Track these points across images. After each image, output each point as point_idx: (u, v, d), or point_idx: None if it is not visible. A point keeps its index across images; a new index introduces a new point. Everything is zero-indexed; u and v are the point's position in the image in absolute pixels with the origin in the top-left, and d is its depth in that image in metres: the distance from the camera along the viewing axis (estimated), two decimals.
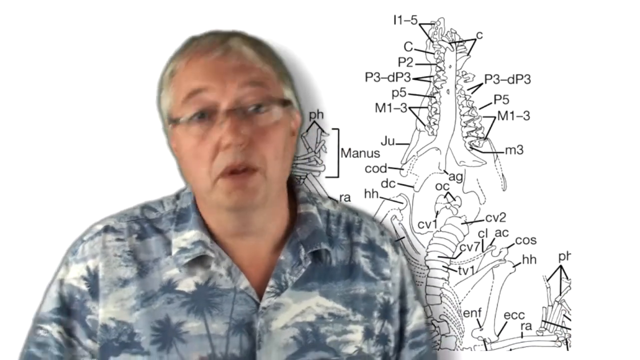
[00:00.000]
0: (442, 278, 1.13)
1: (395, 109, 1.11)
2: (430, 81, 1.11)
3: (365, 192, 1.12)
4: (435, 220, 1.13)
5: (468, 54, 1.11)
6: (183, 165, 0.92)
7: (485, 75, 1.11)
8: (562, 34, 1.11)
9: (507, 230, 1.13)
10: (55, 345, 0.91)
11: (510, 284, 1.13)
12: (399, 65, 1.10)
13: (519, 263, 1.13)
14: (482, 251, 1.13)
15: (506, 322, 1.13)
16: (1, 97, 1.06)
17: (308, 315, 0.92)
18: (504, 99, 1.12)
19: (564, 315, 1.13)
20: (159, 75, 0.98)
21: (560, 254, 1.13)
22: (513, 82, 1.11)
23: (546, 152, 1.12)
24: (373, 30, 1.09)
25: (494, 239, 1.13)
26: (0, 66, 1.05)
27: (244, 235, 0.92)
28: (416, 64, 1.10)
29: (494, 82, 1.11)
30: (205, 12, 1.06)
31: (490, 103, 1.12)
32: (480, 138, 1.12)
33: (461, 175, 1.12)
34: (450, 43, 1.11)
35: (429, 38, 1.10)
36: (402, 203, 1.12)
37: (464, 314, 1.13)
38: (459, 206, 1.12)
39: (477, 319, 1.13)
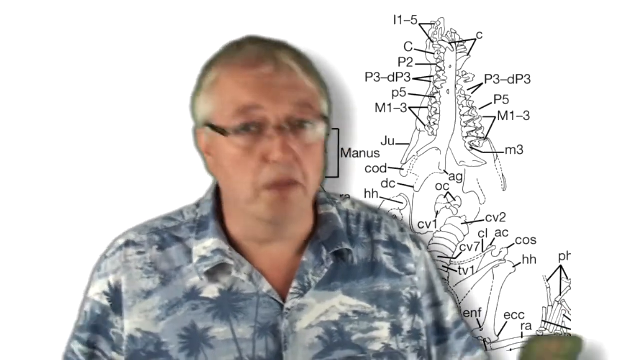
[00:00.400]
0: (442, 278, 1.13)
1: (395, 109, 1.11)
2: (430, 81, 1.11)
3: (365, 192, 1.12)
4: (435, 220, 1.13)
5: (468, 54, 1.11)
6: (221, 171, 0.91)
7: (485, 75, 1.11)
8: (562, 34, 1.11)
9: (507, 230, 1.13)
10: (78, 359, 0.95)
11: (510, 284, 1.13)
12: (399, 65, 1.10)
13: (519, 263, 1.13)
14: (482, 251, 1.13)
15: (506, 322, 1.13)
16: (33, 109, 1.07)
17: (332, 314, 0.93)
18: (504, 99, 1.12)
19: (564, 315, 1.13)
20: (177, 78, 1.00)
21: (560, 254, 1.13)
22: (513, 82, 1.11)
23: (546, 152, 1.12)
24: (373, 30, 1.09)
25: (494, 239, 1.13)
26: (24, 76, 1.07)
27: (270, 242, 0.93)
28: (416, 64, 1.10)
29: (494, 82, 1.11)
30: (211, 14, 1.07)
31: (490, 103, 1.12)
32: (480, 138, 1.12)
33: (461, 175, 1.12)
34: (450, 43, 1.11)
35: (429, 38, 1.10)
36: (402, 203, 1.12)
37: (464, 314, 1.13)
38: (459, 206, 1.12)
39: (477, 319, 1.13)
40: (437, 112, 1.12)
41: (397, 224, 1.04)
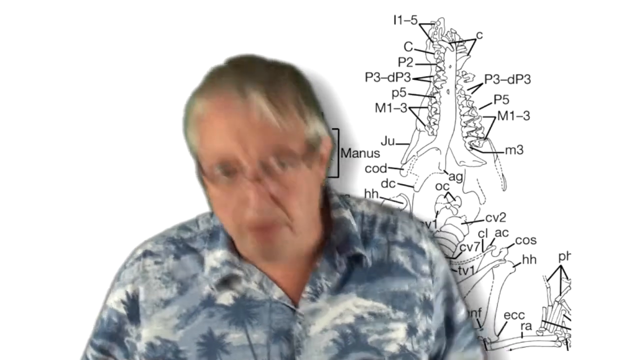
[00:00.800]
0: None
1: (395, 109, 1.11)
2: (430, 81, 1.11)
3: (365, 192, 1.12)
4: (435, 220, 1.13)
5: (468, 54, 1.11)
6: (213, 204, 0.91)
7: (485, 75, 1.11)
8: (562, 34, 1.11)
9: (507, 230, 1.13)
10: None
11: (510, 284, 1.13)
12: (399, 65, 1.10)
13: (519, 263, 1.13)
14: (482, 251, 1.13)
15: (506, 322, 1.13)
16: (47, 115, 1.09)
17: (347, 316, 0.93)
18: (504, 99, 1.12)
19: (564, 315, 1.13)
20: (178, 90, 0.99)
21: (560, 254, 1.13)
22: (513, 82, 1.11)
23: (546, 152, 1.12)
24: (373, 30, 1.09)
25: (494, 239, 1.13)
26: (34, 81, 1.08)
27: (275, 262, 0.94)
28: (416, 64, 1.10)
29: (494, 82, 1.11)
30: (212, 14, 1.07)
31: (490, 103, 1.12)
32: (480, 138, 1.12)
33: (461, 175, 1.12)
34: (450, 43, 1.11)
35: (429, 38, 1.10)
36: (402, 203, 1.12)
37: None
38: (459, 206, 1.12)
39: (477, 319, 1.13)
40: (437, 112, 1.12)
41: (414, 225, 1.04)
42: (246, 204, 0.84)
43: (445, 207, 1.12)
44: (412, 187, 1.12)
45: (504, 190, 1.12)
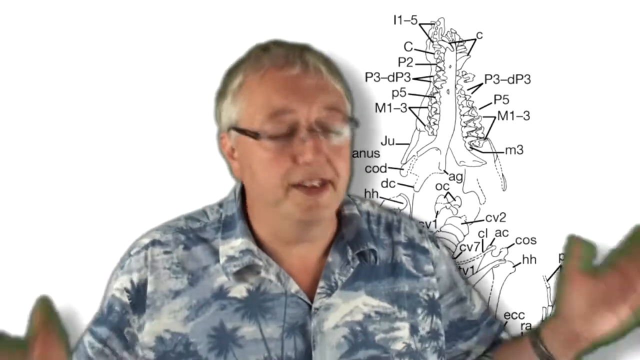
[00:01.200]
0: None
1: (395, 109, 1.11)
2: (430, 81, 1.11)
3: (365, 192, 1.12)
4: (435, 220, 1.13)
5: (468, 54, 1.11)
6: (248, 174, 0.91)
7: (485, 75, 1.11)
8: (562, 34, 1.11)
9: (507, 230, 1.13)
10: (85, 354, 0.94)
11: (510, 284, 1.13)
12: (399, 65, 1.10)
13: (519, 263, 1.13)
14: (482, 251, 1.13)
15: (506, 322, 1.13)
16: (52, 105, 1.08)
17: (356, 314, 0.93)
18: (504, 99, 1.12)
19: None
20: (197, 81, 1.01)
21: (560, 254, 1.13)
22: (513, 82, 1.11)
23: (546, 152, 1.12)
24: (373, 30, 1.09)
25: (494, 239, 1.13)
26: (43, 74, 1.08)
27: (299, 242, 0.93)
28: (416, 64, 1.10)
29: (494, 82, 1.11)
30: (217, 20, 1.07)
31: (490, 103, 1.12)
32: (480, 138, 1.12)
33: (461, 175, 1.12)
34: (450, 43, 1.11)
35: (429, 38, 1.10)
36: (402, 203, 1.12)
37: None
38: (459, 206, 1.12)
39: None
40: (437, 112, 1.12)
41: (416, 226, 1.04)
42: (299, 160, 0.86)
43: (445, 207, 1.12)
44: (412, 187, 1.12)
45: (504, 190, 1.12)
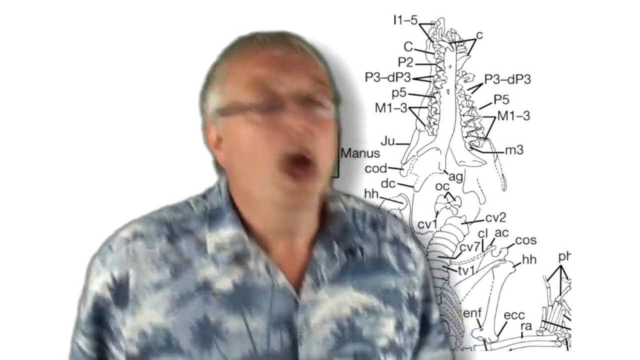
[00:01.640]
0: (442, 278, 1.13)
1: (395, 109, 1.11)
2: (430, 81, 1.11)
3: (365, 192, 1.12)
4: (435, 220, 1.13)
5: (468, 54, 1.11)
6: (236, 156, 0.90)
7: (485, 75, 1.11)
8: (562, 34, 1.11)
9: (507, 230, 1.13)
10: (83, 355, 0.93)
11: (510, 284, 1.13)
12: (399, 65, 1.10)
13: (519, 263, 1.13)
14: (482, 251, 1.13)
15: (506, 322, 1.13)
16: (33, 100, 1.07)
17: (343, 309, 0.93)
18: (504, 99, 1.12)
19: (564, 315, 1.13)
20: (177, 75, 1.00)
21: (560, 254, 1.13)
22: (513, 82, 1.11)
23: (546, 152, 1.12)
24: (373, 30, 1.09)
25: (494, 239, 1.13)
26: (26, 75, 1.07)
27: (284, 232, 0.93)
28: (416, 64, 1.10)
29: (494, 82, 1.11)
30: (209, 17, 1.07)
31: (490, 103, 1.12)
32: (480, 138, 1.12)
33: (461, 175, 1.12)
34: (450, 43, 1.11)
35: (429, 38, 1.10)
36: (402, 203, 1.12)
37: (464, 314, 1.13)
38: (459, 206, 1.12)
39: (477, 319, 1.13)
40: (437, 112, 1.12)
41: (401, 224, 1.04)
42: (288, 133, 0.85)
43: (445, 207, 1.12)
44: (412, 187, 1.12)
45: (504, 190, 1.12)
